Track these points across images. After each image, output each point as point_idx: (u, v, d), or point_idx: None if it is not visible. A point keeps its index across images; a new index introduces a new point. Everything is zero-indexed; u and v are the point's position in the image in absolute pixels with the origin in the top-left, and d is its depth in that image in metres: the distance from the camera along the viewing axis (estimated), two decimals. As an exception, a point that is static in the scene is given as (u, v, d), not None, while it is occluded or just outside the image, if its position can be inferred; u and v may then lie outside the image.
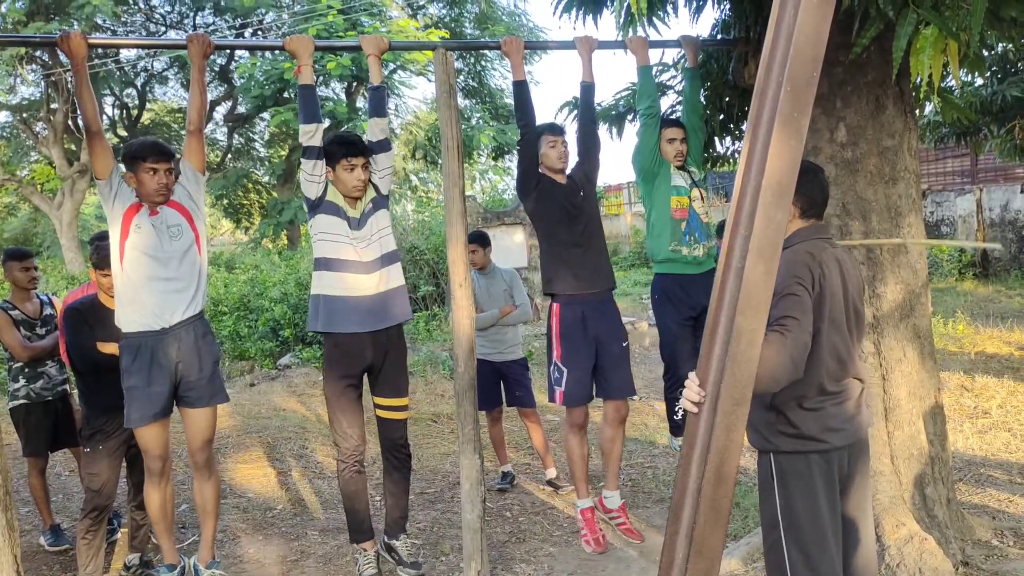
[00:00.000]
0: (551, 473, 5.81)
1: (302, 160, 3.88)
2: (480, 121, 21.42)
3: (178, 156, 3.88)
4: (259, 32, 19.29)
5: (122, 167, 3.80)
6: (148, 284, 3.65)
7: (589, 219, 4.31)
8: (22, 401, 4.92)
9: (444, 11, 22.28)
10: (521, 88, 4.18)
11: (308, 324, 4.09)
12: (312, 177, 3.85)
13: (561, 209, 4.25)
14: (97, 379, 4.35)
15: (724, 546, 2.39)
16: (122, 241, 3.66)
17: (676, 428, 4.54)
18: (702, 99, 4.50)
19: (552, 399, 4.37)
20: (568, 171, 4.39)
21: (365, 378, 4.10)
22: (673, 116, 4.91)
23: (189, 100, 3.83)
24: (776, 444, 2.71)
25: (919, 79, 3.34)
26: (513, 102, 4.33)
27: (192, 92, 3.79)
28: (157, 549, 4.95)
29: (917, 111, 4.38)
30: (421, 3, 21.73)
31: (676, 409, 4.49)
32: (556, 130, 4.34)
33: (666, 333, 4.45)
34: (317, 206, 3.90)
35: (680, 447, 4.56)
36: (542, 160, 4.31)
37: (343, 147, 3.84)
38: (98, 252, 4.33)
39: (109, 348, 4.29)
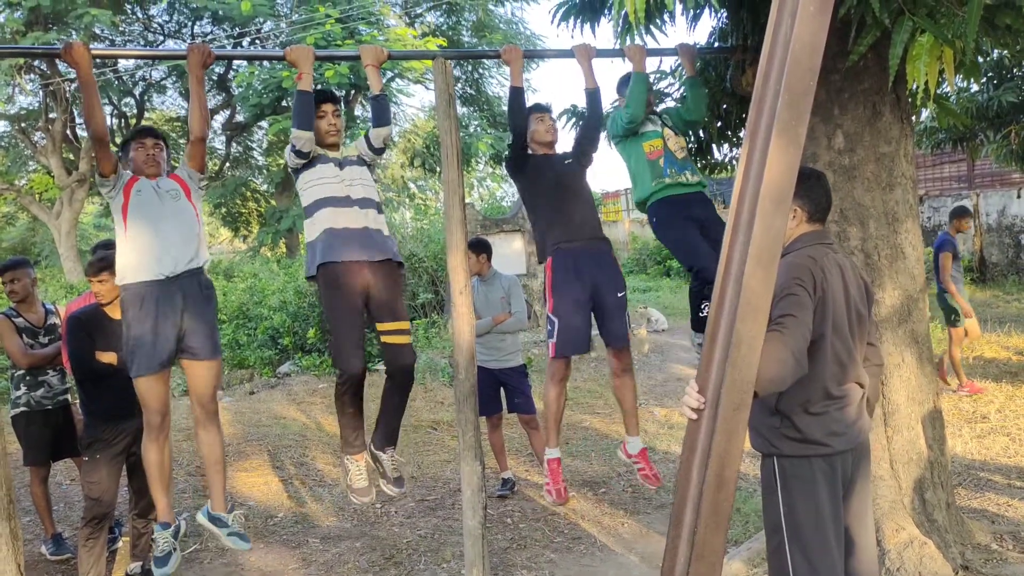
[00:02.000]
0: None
1: (292, 151, 3.90)
2: (478, 129, 21.46)
3: (174, 162, 3.92)
4: (257, 41, 19.31)
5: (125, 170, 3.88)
6: (151, 238, 3.67)
7: (578, 185, 4.35)
8: (23, 409, 4.93)
9: (441, 19, 22.31)
10: (518, 93, 4.19)
11: (305, 271, 4.08)
12: (296, 163, 3.97)
13: (549, 175, 4.31)
14: (96, 387, 4.38)
15: (725, 550, 2.41)
16: (124, 209, 3.70)
17: (700, 325, 4.41)
18: (704, 107, 4.50)
19: (550, 353, 4.34)
20: (561, 154, 4.44)
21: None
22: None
23: (190, 111, 3.85)
24: (780, 448, 2.73)
25: (915, 86, 3.37)
26: (507, 105, 4.34)
27: (192, 103, 3.81)
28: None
29: (913, 117, 4.41)
30: (419, 12, 21.77)
31: (703, 307, 4.37)
32: (543, 108, 4.41)
33: (680, 242, 4.34)
34: (301, 168, 3.99)
35: (699, 343, 4.51)
36: (532, 136, 4.36)
37: (321, 95, 3.96)
38: (95, 261, 4.39)
39: (107, 357, 4.32)
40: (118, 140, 23.17)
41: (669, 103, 5.16)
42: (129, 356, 3.69)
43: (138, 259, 3.66)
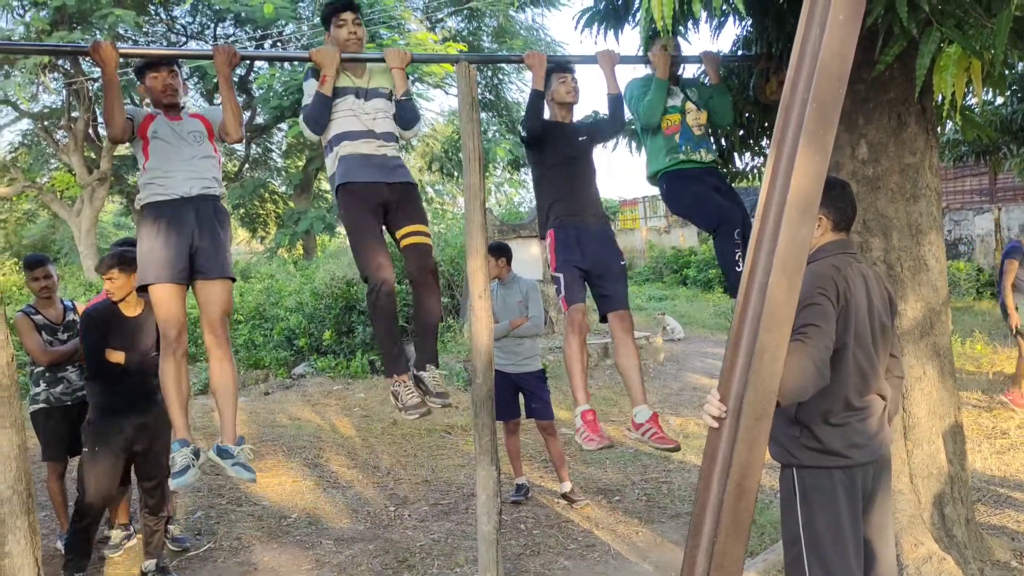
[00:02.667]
0: (566, 487, 5.79)
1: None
2: (496, 134, 21.47)
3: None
4: (279, 44, 19.41)
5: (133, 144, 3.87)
6: (168, 171, 3.68)
7: (586, 162, 4.33)
8: (42, 405, 4.97)
9: (462, 25, 22.35)
10: (538, 97, 4.18)
11: (332, 197, 4.04)
12: None
13: (564, 152, 4.26)
14: (105, 383, 4.45)
15: (744, 561, 2.39)
16: (145, 148, 3.72)
17: (734, 289, 4.32)
18: (730, 114, 4.47)
19: (564, 309, 4.29)
20: (578, 125, 4.41)
21: None
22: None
23: (222, 110, 3.84)
24: (800, 459, 2.70)
25: (941, 97, 3.34)
26: (525, 106, 4.32)
27: (223, 105, 3.81)
28: (173, 555, 4.98)
29: (939, 128, 4.37)
30: (439, 16, 21.83)
31: (737, 260, 4.27)
32: (566, 68, 4.35)
33: (692, 204, 4.27)
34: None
35: None
36: (552, 96, 4.32)
37: (328, 7, 3.94)
38: (105, 258, 4.45)
39: (115, 357, 4.37)
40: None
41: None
42: (142, 268, 3.67)
43: (153, 187, 3.68)
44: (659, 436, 4.17)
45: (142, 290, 3.75)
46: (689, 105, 4.37)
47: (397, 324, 4.00)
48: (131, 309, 4.44)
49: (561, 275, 4.20)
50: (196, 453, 3.72)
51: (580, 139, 4.33)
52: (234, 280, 3.90)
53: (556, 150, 4.28)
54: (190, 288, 3.80)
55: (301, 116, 3.89)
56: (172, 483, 3.65)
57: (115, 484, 4.53)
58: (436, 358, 4.07)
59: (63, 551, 4.60)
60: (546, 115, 4.36)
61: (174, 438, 3.76)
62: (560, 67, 4.33)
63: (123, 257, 4.38)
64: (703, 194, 4.30)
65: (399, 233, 3.98)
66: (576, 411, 4.25)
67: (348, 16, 3.93)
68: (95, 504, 4.45)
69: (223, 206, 3.88)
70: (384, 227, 4.00)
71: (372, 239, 3.87)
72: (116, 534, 5.14)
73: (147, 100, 3.91)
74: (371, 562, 4.86)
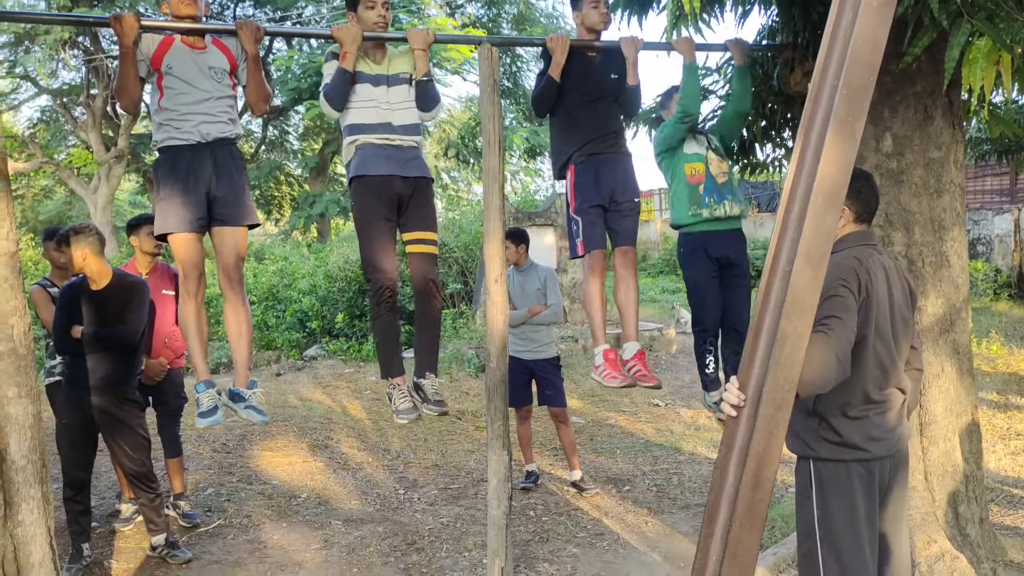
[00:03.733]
0: (576, 475, 5.78)
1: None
2: (514, 121, 21.41)
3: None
4: (298, 25, 19.38)
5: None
6: (184, 113, 3.63)
7: (613, 100, 4.22)
8: (57, 378, 4.98)
9: (482, 11, 22.29)
10: (551, 84, 4.11)
11: (348, 185, 4.02)
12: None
13: (588, 89, 4.16)
14: (69, 358, 4.48)
15: (758, 551, 2.37)
16: (159, 83, 3.64)
17: (708, 383, 4.44)
18: (749, 101, 4.43)
19: (575, 255, 4.27)
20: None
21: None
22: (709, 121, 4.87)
23: (247, 90, 3.80)
24: (817, 451, 2.68)
25: (970, 91, 3.29)
26: (539, 88, 4.24)
27: (249, 81, 3.77)
28: (183, 531, 5.01)
29: (964, 124, 4.32)
30: (459, 2, 21.77)
31: (707, 363, 4.38)
32: None
33: (693, 285, 4.37)
34: None
35: (714, 404, 4.48)
36: (583, 20, 4.21)
37: None
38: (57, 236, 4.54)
39: (75, 332, 4.36)
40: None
41: (714, 100, 5.10)
42: (160, 216, 3.66)
43: (169, 128, 3.63)
44: (642, 374, 4.18)
45: (161, 238, 3.75)
46: (711, 155, 4.35)
47: (397, 327, 4.02)
48: (95, 283, 4.41)
49: (580, 218, 4.17)
50: (220, 393, 3.76)
51: (612, 77, 4.21)
52: (254, 225, 3.87)
53: (582, 91, 4.17)
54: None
55: (321, 93, 3.85)
56: (200, 422, 3.66)
57: (87, 454, 4.54)
58: (435, 366, 4.09)
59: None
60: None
61: (197, 380, 3.78)
62: None
63: (66, 233, 4.45)
64: (704, 284, 4.34)
65: (407, 237, 3.99)
66: (597, 350, 4.23)
67: None
68: (74, 473, 4.49)
69: (239, 150, 3.83)
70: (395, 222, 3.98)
71: (380, 241, 3.87)
72: (127, 508, 5.17)
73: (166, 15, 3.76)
74: (380, 544, 4.86)
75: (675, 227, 4.51)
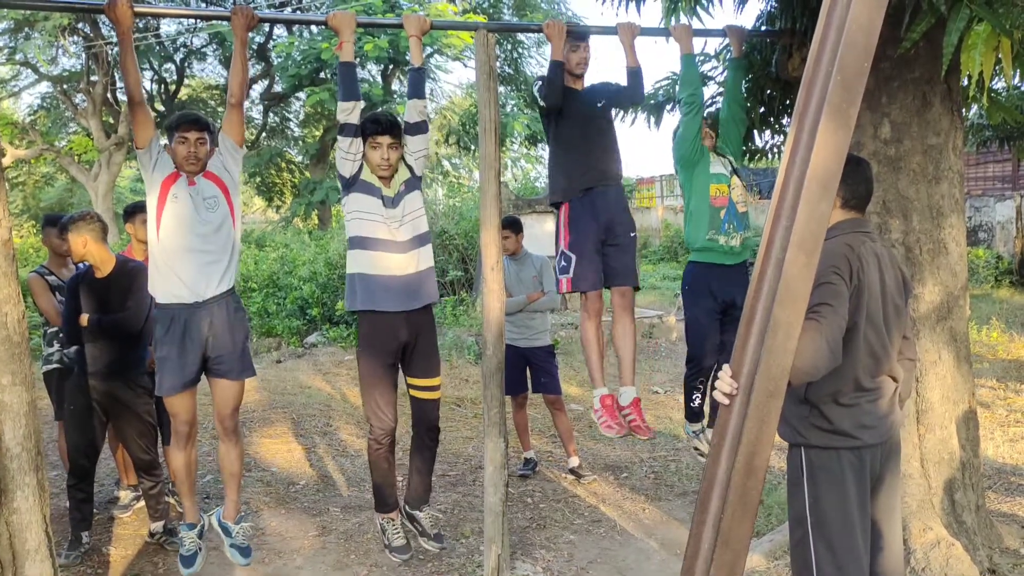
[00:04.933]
0: (574, 462, 5.79)
1: (339, 137, 3.88)
2: (515, 109, 21.36)
3: (217, 127, 3.89)
4: (298, 12, 19.33)
5: (163, 140, 3.85)
6: (184, 255, 3.67)
7: (604, 126, 4.26)
8: (55, 366, 4.99)
9: (483, -3, 22.21)
10: (556, 67, 4.10)
11: (345, 304, 4.11)
12: (347, 155, 3.85)
13: (581, 120, 4.19)
14: (77, 344, 4.49)
15: (751, 539, 2.37)
16: (159, 210, 3.69)
17: (692, 415, 4.51)
18: (744, 90, 4.42)
19: (559, 290, 4.30)
20: (592, 87, 4.33)
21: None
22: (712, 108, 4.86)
23: (231, 73, 3.83)
24: (808, 438, 2.67)
25: (969, 77, 3.27)
26: (546, 76, 4.24)
27: (233, 64, 3.79)
28: (180, 516, 5.02)
29: (964, 110, 4.29)
30: (460, -12, 21.66)
31: (693, 397, 4.44)
32: (579, 36, 4.23)
33: (693, 323, 4.40)
34: (351, 184, 3.90)
35: (694, 432, 4.51)
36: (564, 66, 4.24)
37: (369, 124, 3.86)
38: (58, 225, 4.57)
39: (82, 320, 4.39)
40: (156, 107, 23.48)
41: (712, 87, 5.08)
42: (157, 375, 3.79)
43: (168, 281, 3.68)
44: (637, 424, 4.24)
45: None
46: (735, 180, 4.34)
47: (393, 466, 4.15)
48: (99, 270, 4.41)
49: (574, 256, 4.17)
50: (201, 532, 3.97)
51: (599, 104, 4.25)
52: (252, 375, 3.99)
53: (574, 119, 4.21)
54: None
55: (338, 100, 3.84)
56: (184, 570, 3.86)
57: (94, 442, 4.55)
58: (428, 496, 4.27)
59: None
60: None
61: (185, 520, 3.98)
62: (574, 34, 4.21)
63: (67, 222, 4.43)
64: (704, 321, 4.35)
65: (411, 381, 4.08)
66: (595, 394, 4.28)
67: (384, 140, 3.85)
68: (79, 460, 4.50)
69: (236, 299, 3.90)
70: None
71: (381, 387, 3.96)
72: (125, 495, 5.18)
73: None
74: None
75: (688, 246, 4.51)
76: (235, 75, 3.78)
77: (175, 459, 3.93)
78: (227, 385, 3.84)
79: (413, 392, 4.07)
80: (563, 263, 4.22)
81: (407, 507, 4.18)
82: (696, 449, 4.59)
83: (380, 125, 3.85)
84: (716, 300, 4.32)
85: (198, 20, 16.80)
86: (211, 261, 3.72)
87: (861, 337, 2.63)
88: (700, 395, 4.44)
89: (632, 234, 4.29)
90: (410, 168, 4.00)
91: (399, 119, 3.99)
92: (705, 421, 4.56)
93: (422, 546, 4.18)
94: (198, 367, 3.77)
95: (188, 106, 24.10)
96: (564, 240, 4.22)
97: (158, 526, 4.66)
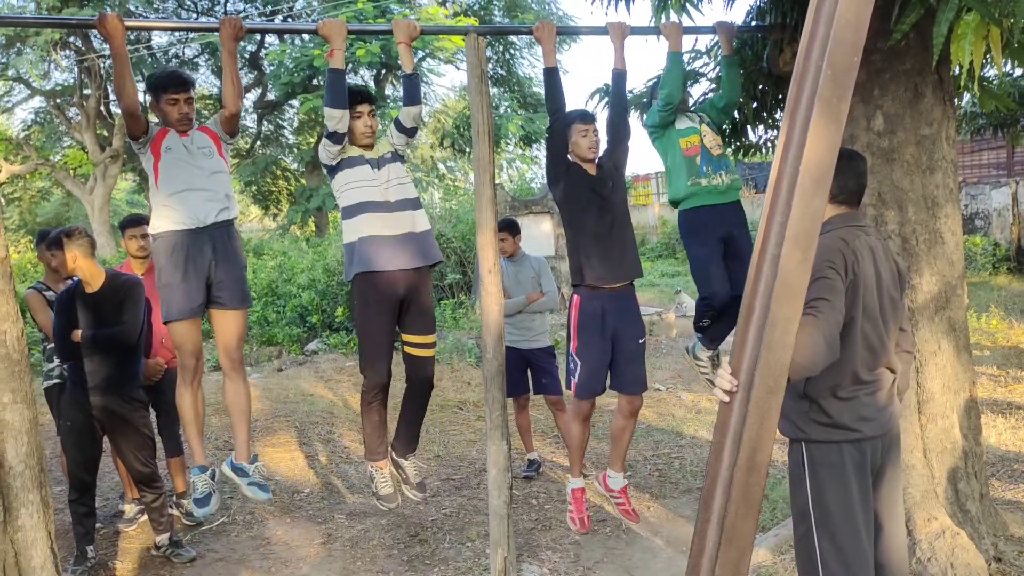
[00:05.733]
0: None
1: (326, 139, 3.90)
2: (508, 110, 21.34)
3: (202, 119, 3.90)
4: (289, 19, 19.35)
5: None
6: (183, 194, 3.70)
7: (617, 210, 4.26)
8: (56, 381, 4.99)
9: (473, -1, 22.22)
10: (552, 75, 4.12)
11: (344, 274, 4.14)
12: (330, 154, 3.96)
13: (589, 199, 4.20)
14: (71, 360, 4.47)
15: (755, 536, 2.37)
16: (156, 164, 3.72)
17: (698, 328, 4.48)
18: (739, 88, 4.42)
19: (568, 387, 4.36)
20: (598, 160, 4.33)
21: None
22: (701, 102, 4.87)
23: (223, 85, 3.83)
24: (808, 433, 2.68)
25: (959, 67, 3.27)
26: (544, 89, 4.27)
27: (225, 77, 3.79)
28: (187, 529, 5.02)
29: (956, 100, 4.29)
30: (450, -10, 21.67)
31: (703, 322, 4.41)
32: (587, 118, 4.26)
33: (697, 262, 4.34)
34: (337, 168, 3.98)
35: (690, 348, 4.46)
36: (572, 149, 4.25)
37: (352, 95, 3.93)
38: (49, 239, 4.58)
39: (75, 336, 4.38)
40: (150, 118, 23.40)
41: (704, 84, 5.08)
42: (163, 302, 3.76)
43: (170, 211, 3.69)
44: (625, 509, 4.39)
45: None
46: (704, 128, 4.33)
47: (384, 417, 4.14)
48: (90, 285, 4.40)
49: (580, 363, 4.21)
50: (213, 475, 3.90)
51: (609, 186, 4.24)
52: (251, 305, 3.98)
53: (585, 203, 4.21)
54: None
55: (324, 107, 3.87)
56: (197, 513, 3.83)
57: (92, 456, 4.55)
58: (416, 444, 4.28)
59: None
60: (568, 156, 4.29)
61: (193, 463, 3.90)
62: (582, 116, 4.24)
63: (56, 236, 4.48)
64: (709, 258, 4.31)
65: (408, 338, 4.09)
66: (569, 483, 4.44)
67: (364, 108, 3.96)
68: (79, 475, 4.50)
69: (236, 231, 3.93)
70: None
71: (378, 339, 3.98)
72: (130, 508, 5.19)
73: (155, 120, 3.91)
74: (383, 536, 4.88)
75: (674, 203, 4.47)
76: (227, 86, 3.79)
77: (182, 398, 3.86)
78: (230, 315, 3.83)
79: (408, 349, 4.08)
80: (571, 365, 4.27)
81: (393, 453, 4.18)
82: (696, 359, 4.58)
83: (358, 95, 3.96)
84: (714, 236, 4.30)
85: (188, 32, 16.79)
86: (210, 198, 3.75)
87: (858, 330, 2.63)
88: (709, 321, 4.40)
89: (641, 341, 4.31)
90: (392, 147, 4.08)
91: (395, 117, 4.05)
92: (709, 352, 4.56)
93: (405, 495, 4.19)
94: (203, 295, 3.75)
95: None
96: (573, 342, 4.26)
97: (163, 538, 4.66)
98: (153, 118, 3.93)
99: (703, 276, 4.35)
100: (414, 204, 4.04)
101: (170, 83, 3.79)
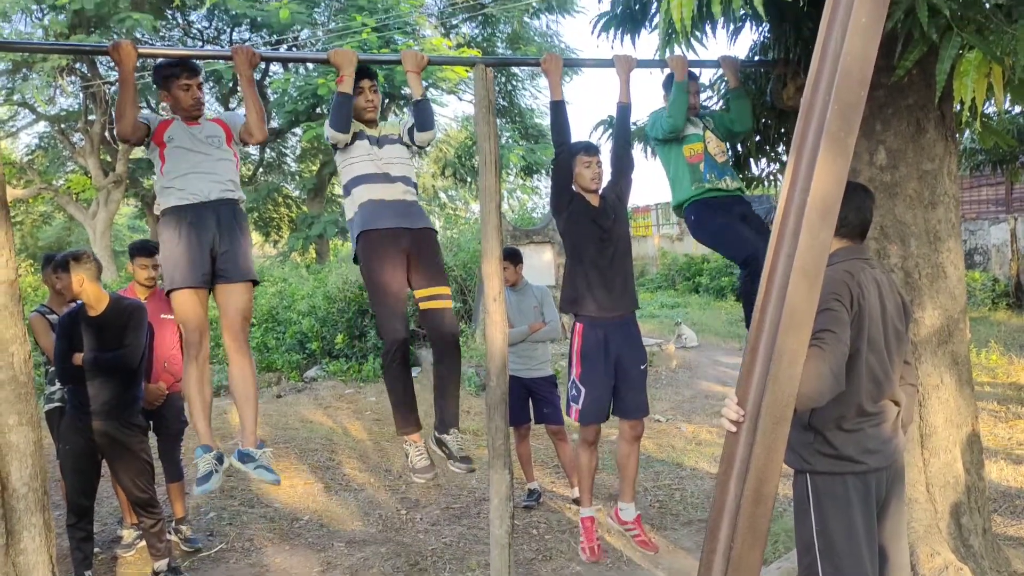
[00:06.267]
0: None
1: (329, 130, 3.93)
2: (510, 140, 21.50)
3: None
4: (294, 48, 19.50)
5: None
6: (186, 176, 3.68)
7: (618, 242, 4.29)
8: (57, 404, 4.99)
9: (477, 31, 22.41)
10: (559, 108, 4.17)
11: (351, 242, 4.06)
12: (335, 146, 4.01)
13: (592, 231, 4.23)
14: (71, 384, 4.47)
15: (761, 567, 2.36)
16: (161, 153, 3.71)
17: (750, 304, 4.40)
18: (750, 118, 4.47)
19: (568, 414, 4.38)
20: (601, 191, 4.37)
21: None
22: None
23: (246, 115, 3.83)
24: (813, 464, 2.68)
25: (961, 103, 3.31)
26: (550, 121, 4.31)
27: (247, 106, 3.80)
28: (185, 555, 4.99)
29: (957, 135, 4.34)
30: (454, 23, 21.89)
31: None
32: (591, 150, 4.31)
33: (719, 234, 4.32)
34: (342, 147, 4.00)
35: None
36: (576, 180, 4.30)
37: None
38: (56, 261, 4.60)
39: (76, 359, 4.38)
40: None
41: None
42: (166, 273, 3.70)
43: (174, 189, 3.68)
44: (641, 540, 4.42)
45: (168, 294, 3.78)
46: (709, 134, 4.38)
47: (411, 382, 4.04)
48: (93, 309, 4.42)
49: (584, 390, 4.25)
50: (220, 459, 3.73)
51: (611, 217, 4.28)
52: (256, 283, 3.91)
53: (587, 234, 4.25)
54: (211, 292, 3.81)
55: (327, 125, 3.88)
56: (196, 490, 3.67)
57: (91, 480, 4.54)
58: (457, 420, 4.11)
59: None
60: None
61: (198, 443, 3.78)
62: (587, 149, 4.30)
63: (62, 260, 4.49)
64: (731, 224, 4.31)
65: (419, 293, 4.02)
66: (581, 512, 4.51)
67: (366, 83, 3.99)
68: (77, 499, 4.48)
69: (242, 209, 3.89)
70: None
71: (392, 298, 3.89)
72: (128, 533, 5.16)
73: (164, 105, 3.90)
74: (382, 565, 4.85)
75: (678, 208, 4.49)
76: (251, 114, 3.79)
77: (188, 376, 3.74)
78: (235, 289, 3.75)
79: (424, 305, 3.99)
80: (574, 392, 4.30)
81: (436, 432, 4.05)
82: None
83: (362, 72, 3.96)
84: (731, 214, 4.30)
85: (198, 60, 16.94)
86: (214, 180, 3.72)
87: (863, 362, 2.65)
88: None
89: (643, 367, 4.34)
90: (400, 134, 4.07)
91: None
92: None
93: (450, 469, 4.01)
94: (208, 269, 3.68)
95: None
96: (576, 369, 4.29)
97: (162, 564, 4.63)
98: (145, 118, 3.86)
99: (736, 242, 4.30)
100: (412, 185, 4.04)
101: (181, 70, 3.75)
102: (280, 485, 6.07)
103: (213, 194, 3.70)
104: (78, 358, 4.36)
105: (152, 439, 4.94)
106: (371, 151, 3.96)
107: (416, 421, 4.04)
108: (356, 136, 3.97)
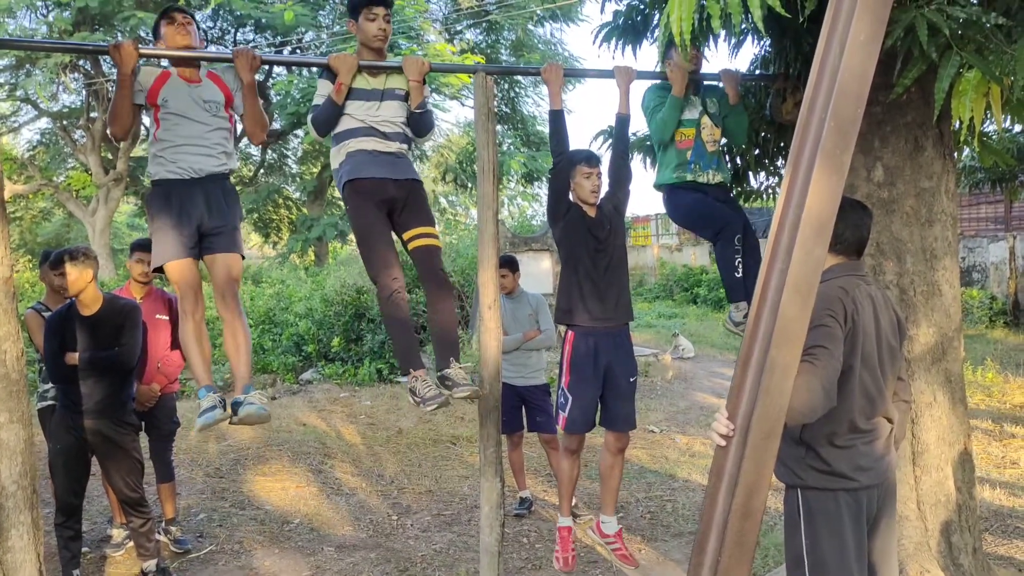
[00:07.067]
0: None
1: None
2: (511, 147, 21.53)
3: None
4: (298, 51, 19.54)
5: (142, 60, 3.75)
6: (178, 147, 3.65)
7: (614, 253, 4.29)
8: (50, 403, 4.97)
9: (480, 37, 22.47)
10: (558, 117, 4.18)
11: (339, 187, 3.99)
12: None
13: (587, 241, 4.24)
14: (62, 383, 4.45)
15: (748, 582, 2.36)
16: (156, 116, 3.68)
17: (734, 293, 4.32)
18: (744, 135, 4.48)
19: (556, 422, 4.38)
20: (599, 201, 4.37)
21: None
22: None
23: (244, 119, 3.83)
24: (805, 479, 2.68)
25: (960, 122, 3.32)
26: (549, 130, 4.32)
27: (246, 110, 3.81)
28: (174, 556, 4.98)
29: (956, 154, 4.35)
30: (458, 29, 21.94)
31: (737, 264, 4.24)
32: (593, 161, 4.30)
33: (691, 210, 4.34)
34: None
35: (734, 319, 4.36)
36: (575, 191, 4.30)
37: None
38: (59, 252, 4.55)
39: (71, 359, 4.36)
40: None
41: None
42: (154, 248, 3.70)
43: (163, 162, 3.66)
44: (622, 554, 4.41)
45: (157, 270, 3.76)
46: (705, 120, 4.36)
47: (411, 322, 3.94)
48: (87, 308, 4.41)
49: (571, 398, 4.25)
50: (223, 401, 3.66)
51: (606, 228, 4.29)
52: (243, 256, 3.88)
53: (582, 245, 4.25)
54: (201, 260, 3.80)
55: (309, 116, 3.88)
56: (198, 420, 3.58)
57: (80, 479, 4.53)
58: (457, 351, 3.97)
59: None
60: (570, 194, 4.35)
61: (198, 386, 3.74)
62: (588, 159, 4.29)
63: (60, 256, 4.45)
64: (702, 201, 4.32)
65: (407, 235, 3.94)
66: (559, 521, 4.50)
67: (380, 11, 3.85)
68: (66, 498, 4.46)
69: (231, 185, 3.86)
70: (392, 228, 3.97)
71: (381, 242, 3.84)
72: (118, 533, 5.14)
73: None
74: (372, 570, 4.84)
75: (657, 187, 4.51)
76: (249, 119, 3.79)
77: (185, 331, 3.72)
78: (222, 257, 3.72)
79: (413, 244, 3.92)
80: (562, 400, 4.31)
81: (437, 372, 3.92)
82: (738, 325, 4.37)
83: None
84: (702, 192, 4.31)
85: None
86: (207, 153, 3.69)
87: (856, 379, 2.65)
88: (740, 262, 4.26)
89: (632, 379, 4.35)
90: (405, 90, 3.98)
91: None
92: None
93: (455, 395, 3.82)
94: (195, 242, 3.66)
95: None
96: (565, 377, 4.31)
97: (150, 564, 4.62)
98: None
99: (705, 216, 4.31)
100: (409, 142, 3.99)
101: (170, 10, 3.71)
102: (262, 486, 6.06)
103: (204, 171, 3.67)
104: (72, 357, 4.35)
105: (143, 439, 4.93)
106: (366, 107, 3.86)
107: (419, 358, 3.92)
108: (358, 92, 3.86)
